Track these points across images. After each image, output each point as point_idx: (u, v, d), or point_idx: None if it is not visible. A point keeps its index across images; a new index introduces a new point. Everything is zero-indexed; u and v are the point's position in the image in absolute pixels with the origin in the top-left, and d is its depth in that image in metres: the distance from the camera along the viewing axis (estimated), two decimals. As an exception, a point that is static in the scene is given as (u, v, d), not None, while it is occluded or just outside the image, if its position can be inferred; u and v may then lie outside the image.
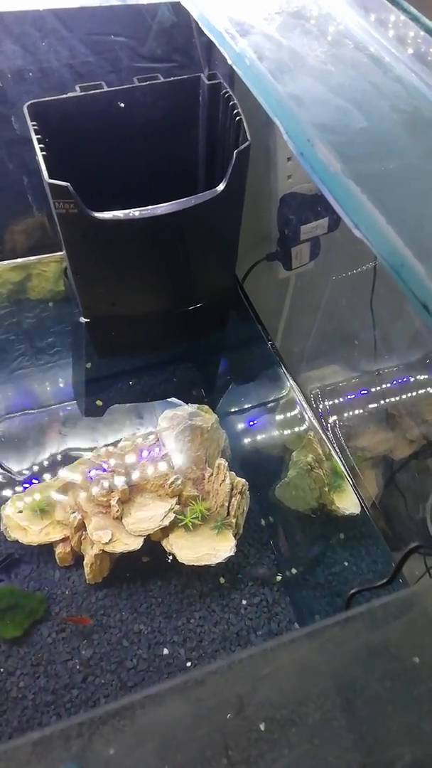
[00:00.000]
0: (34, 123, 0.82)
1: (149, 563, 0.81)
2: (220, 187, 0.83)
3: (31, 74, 0.93)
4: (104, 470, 0.83)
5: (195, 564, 0.76)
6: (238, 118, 0.85)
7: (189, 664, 0.73)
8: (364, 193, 0.43)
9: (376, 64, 0.64)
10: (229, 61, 0.64)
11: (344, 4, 0.73)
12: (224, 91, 0.88)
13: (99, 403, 0.99)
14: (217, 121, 0.92)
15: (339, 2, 0.74)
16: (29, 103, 0.84)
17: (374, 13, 0.72)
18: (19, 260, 1.11)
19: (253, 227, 1.02)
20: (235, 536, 0.79)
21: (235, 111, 0.86)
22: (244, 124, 0.84)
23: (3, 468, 0.88)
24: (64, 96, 0.86)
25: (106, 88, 0.88)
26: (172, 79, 0.90)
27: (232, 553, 0.77)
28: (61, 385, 1.01)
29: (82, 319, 1.00)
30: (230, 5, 0.72)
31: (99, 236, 0.84)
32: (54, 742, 0.36)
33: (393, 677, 0.39)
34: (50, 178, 0.76)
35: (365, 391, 1.05)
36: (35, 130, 0.81)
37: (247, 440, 0.97)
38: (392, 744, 0.37)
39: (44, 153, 0.79)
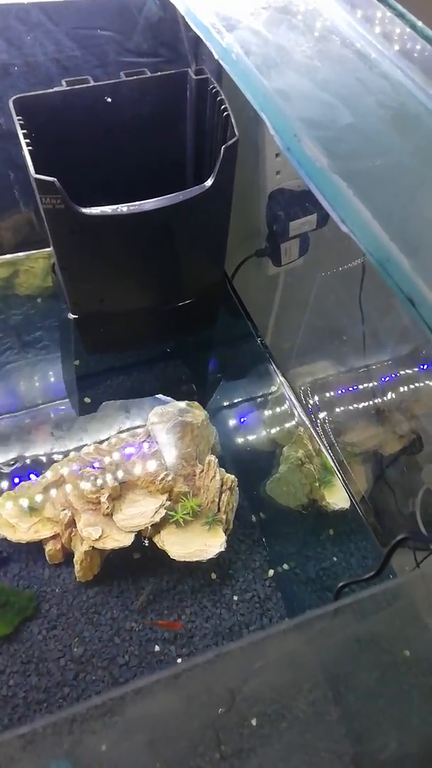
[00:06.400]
0: (20, 117, 0.81)
1: (140, 560, 0.81)
2: (208, 182, 0.83)
3: (16, 68, 0.92)
4: (94, 467, 0.83)
5: (186, 560, 0.77)
6: (225, 113, 0.85)
7: (180, 660, 0.74)
8: (350, 188, 0.43)
9: (363, 60, 0.64)
10: (216, 56, 0.64)
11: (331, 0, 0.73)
12: (212, 86, 0.88)
13: (87, 400, 0.98)
14: (205, 116, 0.92)
15: (326, -3, 0.73)
16: (15, 97, 0.83)
17: (361, 9, 0.72)
18: (6, 256, 1.10)
19: (242, 223, 1.02)
20: (225, 532, 0.80)
21: (222, 106, 0.85)
22: (232, 119, 0.84)
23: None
24: (51, 90, 0.86)
25: (92, 83, 0.87)
26: (159, 74, 0.90)
27: (222, 549, 0.77)
28: (50, 382, 1.01)
29: (71, 316, 1.00)
30: (217, 0, 0.72)
31: (86, 232, 0.83)
32: (45, 737, 0.36)
33: (380, 668, 0.40)
34: (36, 173, 0.76)
35: (354, 387, 1.06)
36: (21, 124, 0.80)
37: (237, 436, 0.97)
38: (380, 733, 0.37)
39: (30, 148, 0.78)
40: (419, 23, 0.68)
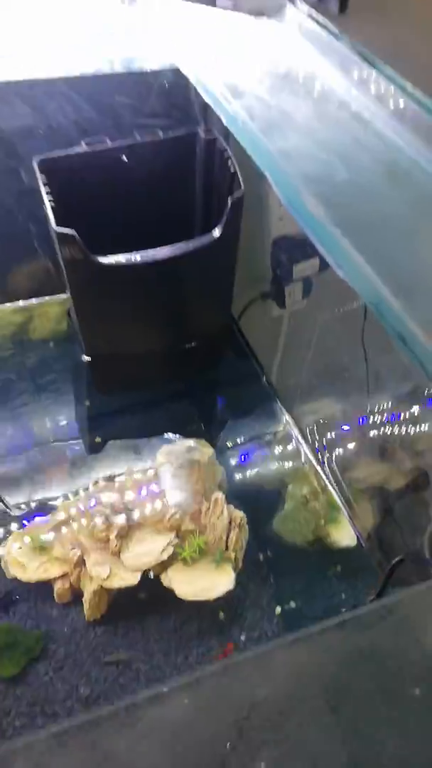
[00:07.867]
0: (43, 176, 0.87)
1: (148, 599, 0.80)
2: (216, 232, 0.88)
3: (40, 131, 1.00)
4: (103, 506, 0.84)
5: (193, 599, 0.76)
6: (232, 170, 0.91)
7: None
8: (345, 237, 0.47)
9: (357, 121, 0.70)
10: (224, 122, 0.70)
11: (329, 66, 0.80)
12: (219, 145, 0.95)
13: (98, 439, 1.00)
14: (213, 171, 0.98)
15: (324, 65, 0.81)
16: (39, 158, 0.89)
17: (356, 74, 0.79)
18: (21, 303, 1.15)
19: (248, 268, 1.07)
20: (234, 570, 0.79)
21: (229, 162, 0.92)
22: (238, 175, 0.90)
23: (3, 503, 0.89)
24: (71, 152, 0.92)
25: (109, 144, 0.94)
26: (171, 135, 0.97)
27: (231, 587, 0.77)
28: (61, 422, 1.03)
29: (84, 357, 1.04)
30: (224, 70, 0.79)
31: (102, 279, 0.88)
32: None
33: (384, 684, 0.40)
34: (57, 225, 0.81)
35: (359, 424, 1.07)
36: (44, 183, 0.86)
37: (244, 474, 0.98)
38: (383, 753, 0.37)
39: (52, 204, 0.84)
40: (408, 86, 0.74)
